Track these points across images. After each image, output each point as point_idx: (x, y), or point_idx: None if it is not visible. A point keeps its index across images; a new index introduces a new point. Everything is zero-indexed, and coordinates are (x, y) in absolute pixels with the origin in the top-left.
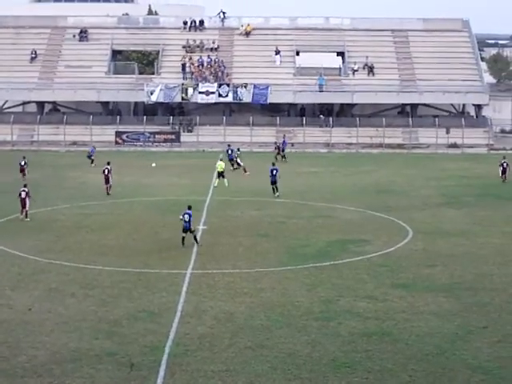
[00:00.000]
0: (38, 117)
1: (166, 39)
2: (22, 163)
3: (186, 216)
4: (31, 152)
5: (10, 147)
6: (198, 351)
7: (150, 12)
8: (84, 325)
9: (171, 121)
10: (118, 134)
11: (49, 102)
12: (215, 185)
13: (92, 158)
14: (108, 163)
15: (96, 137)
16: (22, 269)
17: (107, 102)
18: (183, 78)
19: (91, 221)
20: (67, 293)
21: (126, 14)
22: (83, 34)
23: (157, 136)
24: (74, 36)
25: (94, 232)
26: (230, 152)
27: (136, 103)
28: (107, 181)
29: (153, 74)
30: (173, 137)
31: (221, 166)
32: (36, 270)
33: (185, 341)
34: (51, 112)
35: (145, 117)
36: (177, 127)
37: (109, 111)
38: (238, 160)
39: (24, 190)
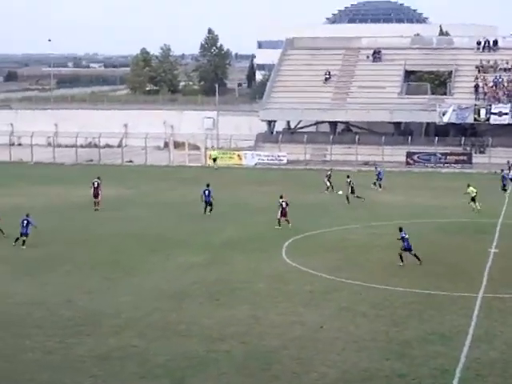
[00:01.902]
0: (331, 137)
1: (459, 59)
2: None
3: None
4: (324, 171)
5: (304, 166)
6: (489, 376)
7: (441, 32)
8: (374, 345)
9: (463, 142)
10: (409, 154)
11: (341, 122)
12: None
13: (380, 181)
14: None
15: (387, 157)
16: (314, 287)
17: (399, 123)
18: (476, 99)
19: (382, 240)
20: (358, 312)
21: (418, 35)
22: (377, 55)
23: (448, 157)
24: (368, 57)
25: (385, 252)
26: None
27: (428, 124)
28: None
29: (445, 94)
30: (464, 158)
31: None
32: (328, 288)
33: (475, 365)
34: (343, 132)
35: (436, 137)
36: (468, 148)
37: (400, 131)
38: None
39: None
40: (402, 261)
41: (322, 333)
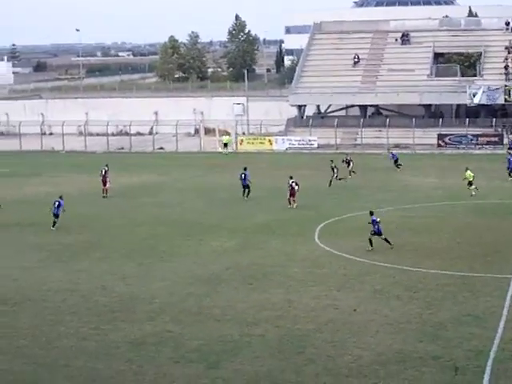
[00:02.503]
0: (361, 120)
1: (487, 41)
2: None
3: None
4: (355, 155)
5: (334, 150)
6: None
7: (471, 13)
8: (408, 327)
9: (494, 123)
10: (441, 136)
11: (371, 106)
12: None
13: (398, 162)
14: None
15: (418, 139)
16: (347, 270)
17: (429, 105)
18: (506, 80)
19: (415, 223)
20: (392, 295)
21: (447, 17)
22: (405, 38)
23: (479, 138)
24: (396, 40)
25: (418, 234)
26: None
27: (458, 105)
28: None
29: (475, 75)
30: (496, 139)
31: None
32: (361, 271)
33: (510, 346)
34: (374, 115)
35: (467, 119)
36: (499, 129)
37: (431, 114)
38: None
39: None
40: (372, 245)
41: (355, 316)
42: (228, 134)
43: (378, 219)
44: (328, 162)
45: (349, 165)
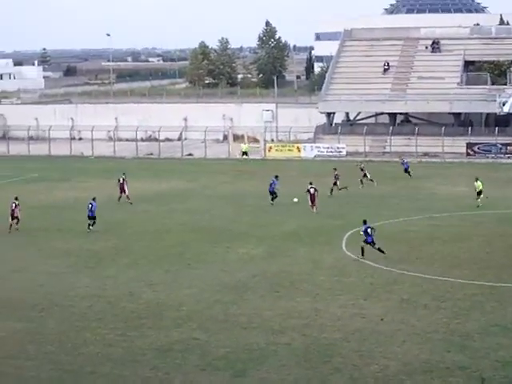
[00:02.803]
0: (391, 128)
1: None
2: (121, 180)
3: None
4: (383, 163)
5: (363, 158)
6: None
7: (502, 22)
8: (436, 337)
9: None
10: (470, 145)
11: (401, 113)
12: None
13: (409, 170)
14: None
15: (447, 148)
16: (374, 279)
17: (459, 113)
18: None
19: (443, 232)
20: (419, 304)
21: (477, 25)
22: (435, 45)
23: (508, 147)
24: (427, 47)
25: (446, 244)
26: None
27: (488, 114)
28: (123, 191)
29: (505, 84)
30: None
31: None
32: (389, 280)
33: None
34: (403, 123)
35: (496, 128)
36: None
37: (460, 122)
38: None
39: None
40: (363, 255)
41: (382, 325)
42: (255, 140)
43: (372, 228)
44: (331, 171)
45: (363, 172)
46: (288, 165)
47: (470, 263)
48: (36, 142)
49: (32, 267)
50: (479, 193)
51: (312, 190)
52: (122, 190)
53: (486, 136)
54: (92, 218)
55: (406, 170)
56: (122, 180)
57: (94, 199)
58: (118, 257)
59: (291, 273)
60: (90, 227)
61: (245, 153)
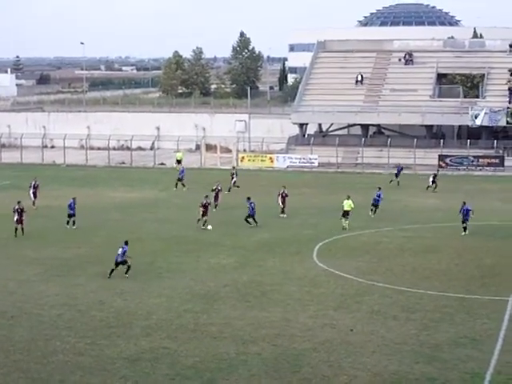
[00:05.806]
0: (363, 139)
1: (491, 62)
2: (34, 184)
3: (120, 250)
4: (355, 174)
5: (335, 169)
6: None
7: (475, 35)
8: (405, 348)
9: (495, 145)
10: (442, 157)
11: (373, 125)
12: None
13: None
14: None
15: (419, 160)
16: (345, 290)
17: (431, 126)
18: (509, 102)
19: (413, 244)
20: (389, 315)
21: (451, 37)
22: (408, 58)
23: (480, 160)
24: (400, 59)
25: (417, 255)
26: None
27: (460, 127)
28: (35, 196)
29: (477, 97)
30: (497, 161)
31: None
32: (359, 291)
33: (506, 369)
34: (375, 135)
35: (468, 140)
36: (501, 151)
37: (433, 134)
38: None
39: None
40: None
41: (352, 336)
42: (228, 150)
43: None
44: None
45: (232, 178)
46: (260, 175)
47: (440, 275)
48: (8, 150)
49: (1, 275)
50: (346, 213)
51: (284, 194)
52: (35, 195)
53: (458, 148)
54: (73, 215)
55: (397, 175)
56: (34, 185)
57: (74, 198)
58: (88, 265)
59: (262, 283)
60: (67, 224)
61: (179, 161)
